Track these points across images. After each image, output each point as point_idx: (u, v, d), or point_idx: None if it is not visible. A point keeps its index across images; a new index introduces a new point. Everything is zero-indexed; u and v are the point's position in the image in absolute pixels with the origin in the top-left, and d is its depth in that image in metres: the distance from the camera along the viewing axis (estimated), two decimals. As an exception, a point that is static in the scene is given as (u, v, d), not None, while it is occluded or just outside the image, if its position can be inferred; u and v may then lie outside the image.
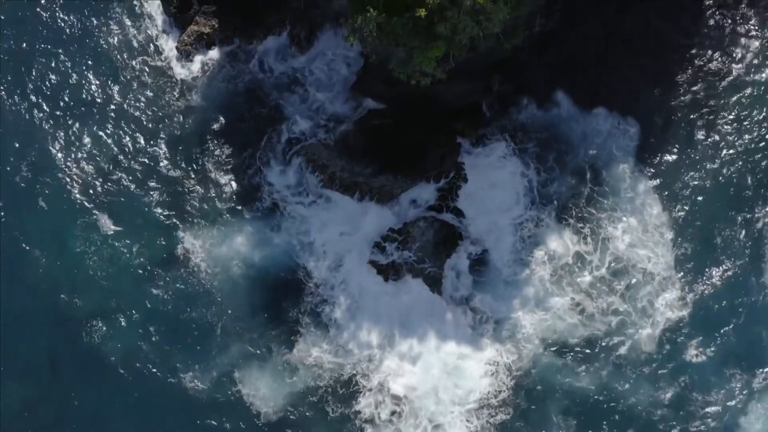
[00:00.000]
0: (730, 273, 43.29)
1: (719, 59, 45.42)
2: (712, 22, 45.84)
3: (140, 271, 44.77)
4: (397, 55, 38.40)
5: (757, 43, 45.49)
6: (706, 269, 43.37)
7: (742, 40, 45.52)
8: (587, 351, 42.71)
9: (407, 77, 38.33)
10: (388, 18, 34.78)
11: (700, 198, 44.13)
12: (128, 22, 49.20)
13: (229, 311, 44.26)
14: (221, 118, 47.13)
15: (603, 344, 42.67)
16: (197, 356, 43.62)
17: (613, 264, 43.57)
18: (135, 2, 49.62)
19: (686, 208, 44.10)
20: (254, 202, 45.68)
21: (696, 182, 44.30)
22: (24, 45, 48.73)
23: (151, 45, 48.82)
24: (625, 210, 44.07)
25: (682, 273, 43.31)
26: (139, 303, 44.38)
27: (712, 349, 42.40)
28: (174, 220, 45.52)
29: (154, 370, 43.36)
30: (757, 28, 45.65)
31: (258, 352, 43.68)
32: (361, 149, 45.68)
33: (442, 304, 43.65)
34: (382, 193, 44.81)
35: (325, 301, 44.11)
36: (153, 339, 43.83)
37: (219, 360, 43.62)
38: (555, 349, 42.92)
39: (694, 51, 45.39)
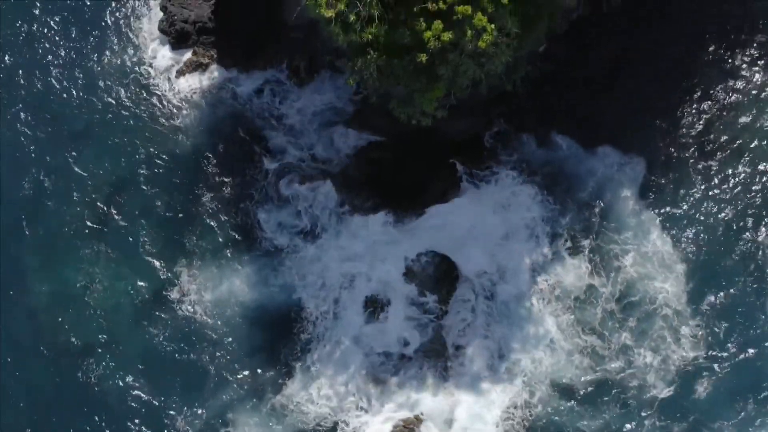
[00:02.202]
0: (741, 308, 42.18)
1: (726, 93, 44.50)
2: (718, 55, 45.07)
3: (137, 309, 44.31)
4: (397, 93, 38.02)
5: (766, 76, 44.80)
6: (718, 304, 42.23)
7: (751, 73, 44.72)
8: (597, 394, 41.59)
9: (408, 117, 37.94)
10: (388, 60, 34.43)
11: (710, 232, 43.13)
12: (125, 51, 48.69)
13: (225, 351, 43.67)
14: (212, 156, 46.55)
15: (613, 385, 41.59)
16: (191, 397, 43.11)
17: (624, 299, 42.59)
18: (133, 31, 49.16)
19: (698, 242, 43.08)
20: (253, 238, 45.05)
21: (706, 217, 43.29)
22: (18, 72, 48.40)
23: (149, 74, 48.26)
24: (635, 244, 43.09)
25: (693, 308, 42.27)
26: (135, 341, 43.90)
27: (724, 387, 41.28)
28: (172, 257, 45.00)
29: (148, 409, 42.86)
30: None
31: (251, 394, 43.02)
32: (359, 182, 45.01)
33: (445, 343, 42.75)
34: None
35: (321, 341, 43.33)
36: (148, 378, 43.34)
37: (212, 402, 43.08)
38: (564, 392, 41.77)
39: (701, 85, 44.55)
